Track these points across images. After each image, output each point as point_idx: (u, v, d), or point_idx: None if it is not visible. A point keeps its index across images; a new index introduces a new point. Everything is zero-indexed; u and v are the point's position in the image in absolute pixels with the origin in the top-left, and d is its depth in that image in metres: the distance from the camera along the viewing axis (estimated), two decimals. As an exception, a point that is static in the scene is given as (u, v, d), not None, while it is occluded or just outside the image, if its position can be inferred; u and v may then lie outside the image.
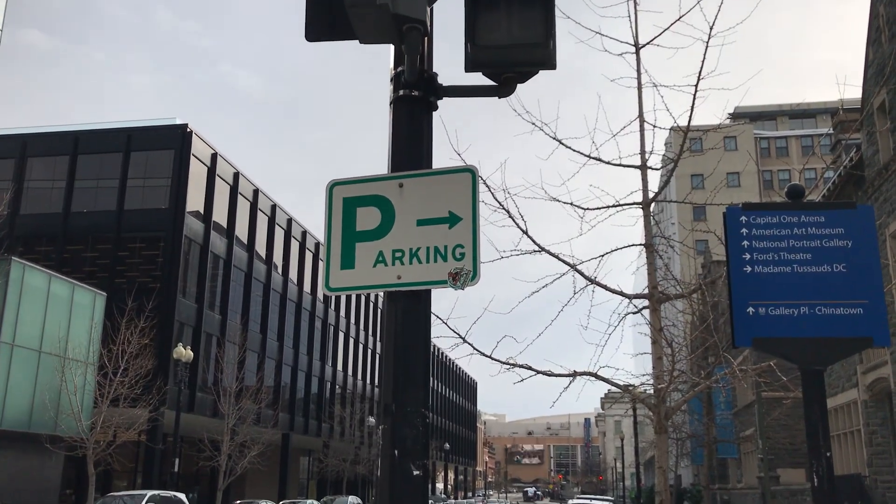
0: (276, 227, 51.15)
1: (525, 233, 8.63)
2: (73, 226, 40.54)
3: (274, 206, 50.96)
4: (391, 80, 3.56)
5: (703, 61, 8.04)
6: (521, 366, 8.40)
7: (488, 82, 3.61)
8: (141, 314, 29.07)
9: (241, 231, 46.20)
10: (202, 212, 41.92)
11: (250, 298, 46.34)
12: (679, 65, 8.36)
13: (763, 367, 10.61)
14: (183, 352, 30.86)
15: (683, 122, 8.77)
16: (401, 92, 3.49)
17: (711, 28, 7.98)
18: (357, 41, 3.38)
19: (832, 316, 4.62)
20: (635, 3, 9.00)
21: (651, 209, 8.99)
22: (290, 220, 53.67)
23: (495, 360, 8.37)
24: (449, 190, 3.36)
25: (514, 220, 8.63)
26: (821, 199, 25.00)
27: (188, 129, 41.00)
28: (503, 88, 3.57)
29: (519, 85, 3.58)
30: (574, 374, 8.72)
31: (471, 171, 3.38)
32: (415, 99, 3.49)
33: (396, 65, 3.56)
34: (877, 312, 4.60)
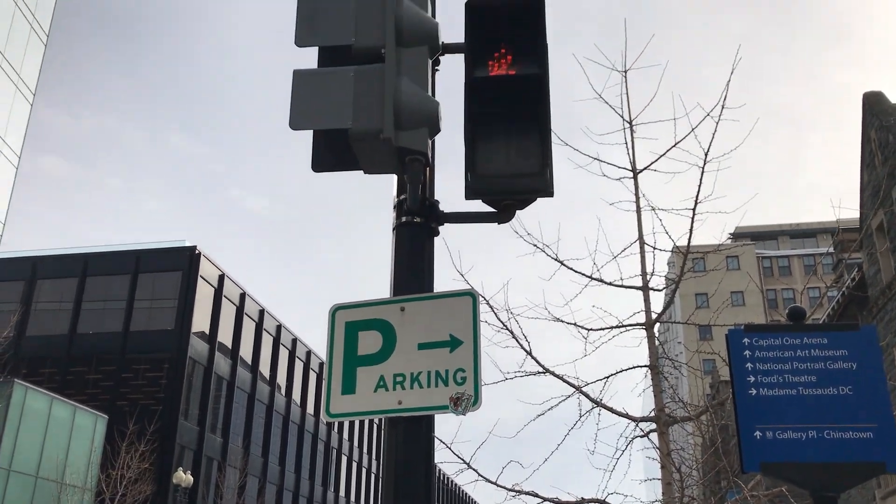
0: (281, 346, 50.96)
1: (529, 353, 8.60)
2: (78, 347, 40.47)
3: (279, 327, 50.93)
4: (394, 208, 3.66)
5: (699, 186, 8.25)
6: (527, 493, 8.19)
7: (489, 209, 3.72)
8: (142, 437, 28.60)
9: (246, 352, 46.00)
10: (207, 332, 41.90)
11: (252, 421, 45.60)
12: (677, 188, 8.61)
13: (776, 493, 10.31)
14: (183, 476, 30.13)
15: (684, 243, 8.90)
16: (403, 219, 3.59)
17: (706, 154, 8.23)
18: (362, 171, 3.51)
19: (841, 440, 4.54)
20: (632, 131, 9.31)
21: (655, 330, 8.99)
22: (294, 340, 53.50)
23: (501, 486, 8.17)
24: (450, 313, 3.39)
25: (517, 340, 8.62)
26: (826, 319, 24.94)
27: (196, 251, 41.57)
28: (503, 215, 3.67)
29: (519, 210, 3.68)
30: (582, 502, 8.48)
31: (471, 295, 3.43)
32: (417, 225, 3.58)
33: (399, 192, 3.68)
34: (888, 436, 4.51)
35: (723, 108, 8.24)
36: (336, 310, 3.55)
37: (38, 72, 38.94)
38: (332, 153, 3.67)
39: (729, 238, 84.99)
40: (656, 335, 9.02)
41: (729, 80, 8.29)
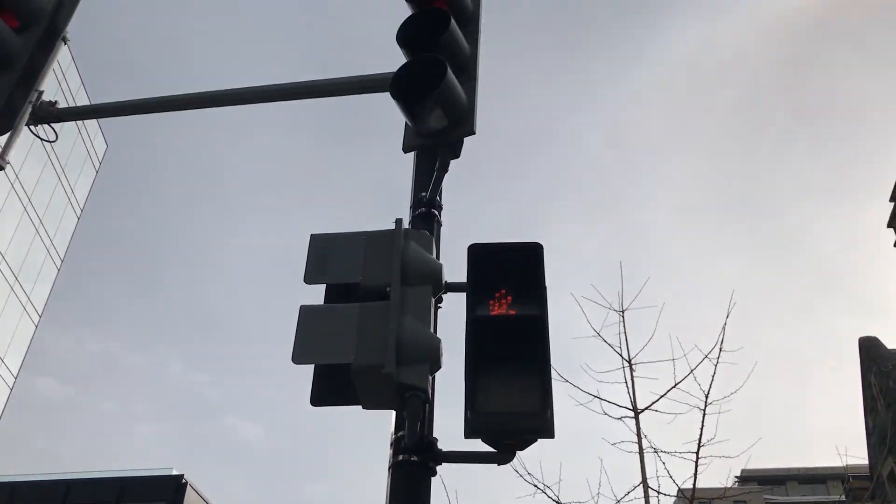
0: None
1: None
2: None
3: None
4: (391, 445, 3.60)
5: (701, 429, 8.14)
6: None
7: (488, 448, 3.64)
8: None
9: None
10: (185, 570, 39.26)
11: None
12: (680, 429, 8.46)
13: None
14: None
15: (689, 486, 8.59)
16: (400, 457, 3.51)
17: (707, 397, 8.21)
18: (360, 406, 3.48)
19: None
20: (631, 370, 9.35)
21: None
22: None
23: None
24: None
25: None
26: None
27: (183, 480, 40.05)
28: (502, 456, 3.59)
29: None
30: None
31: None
32: (414, 464, 3.50)
33: (397, 430, 3.62)
34: None
35: (720, 350, 8.35)
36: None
37: (48, 294, 39.82)
38: (331, 388, 3.67)
39: (736, 481, 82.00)
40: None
41: (725, 325, 8.47)
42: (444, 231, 4.28)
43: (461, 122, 4.05)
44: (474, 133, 4.00)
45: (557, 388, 9.71)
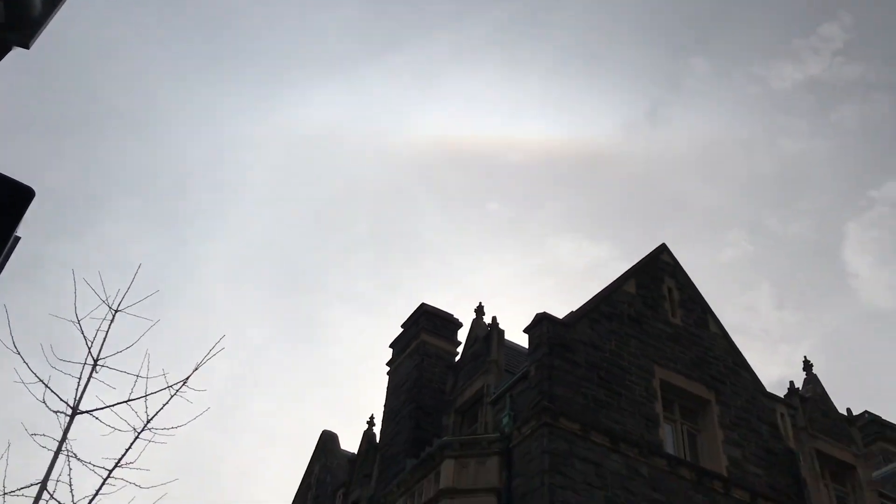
0: None
1: None
2: None
3: None
4: None
5: (127, 450, 7.95)
6: None
7: None
8: None
9: None
10: None
11: None
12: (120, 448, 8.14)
13: None
14: None
15: (86, 500, 8.25)
16: None
17: (149, 421, 8.09)
18: None
19: None
20: (93, 371, 8.88)
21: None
22: None
23: None
24: None
25: None
26: None
27: None
28: None
29: None
30: None
31: None
32: None
33: None
34: None
35: (184, 384, 8.35)
36: None
37: None
38: None
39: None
40: None
41: (200, 363, 8.51)
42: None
43: (18, 27, 3.60)
44: (27, 47, 3.59)
45: (10, 357, 8.80)
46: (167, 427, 8.30)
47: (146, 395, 8.19)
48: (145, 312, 11.37)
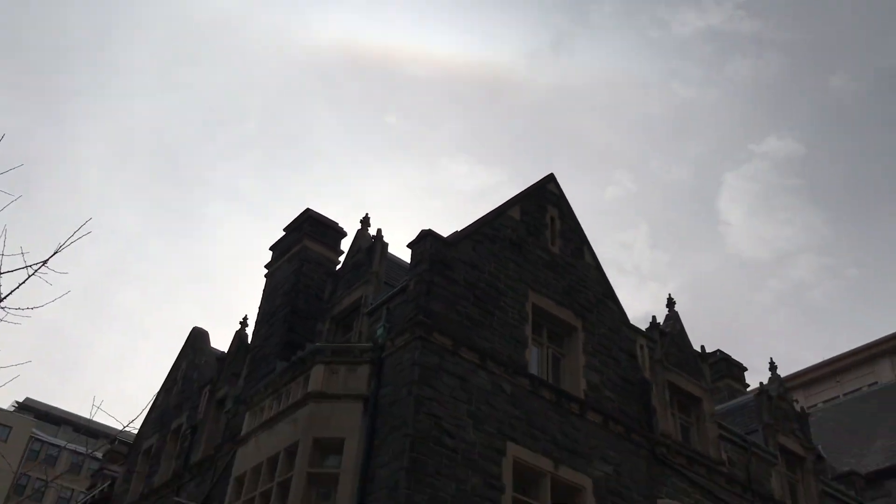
0: None
1: None
2: None
3: None
4: None
5: (-24, 327, 7.53)
6: None
7: None
8: None
9: None
10: None
11: None
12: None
13: None
14: None
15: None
16: None
17: (3, 299, 7.66)
18: None
19: None
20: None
21: None
22: None
23: None
24: None
25: None
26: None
27: None
28: None
29: None
30: None
31: None
32: None
33: None
34: None
35: (45, 265, 7.91)
36: None
37: None
38: None
39: (14, 406, 78.54)
40: None
41: (62, 246, 8.08)
42: None
43: None
44: None
45: None
46: (22, 307, 7.87)
47: (0, 273, 7.71)
48: (6, 186, 10.70)
